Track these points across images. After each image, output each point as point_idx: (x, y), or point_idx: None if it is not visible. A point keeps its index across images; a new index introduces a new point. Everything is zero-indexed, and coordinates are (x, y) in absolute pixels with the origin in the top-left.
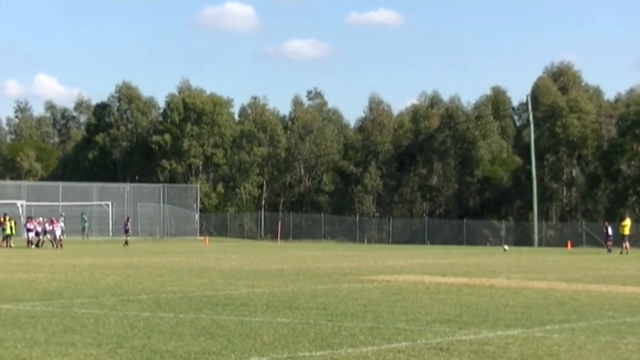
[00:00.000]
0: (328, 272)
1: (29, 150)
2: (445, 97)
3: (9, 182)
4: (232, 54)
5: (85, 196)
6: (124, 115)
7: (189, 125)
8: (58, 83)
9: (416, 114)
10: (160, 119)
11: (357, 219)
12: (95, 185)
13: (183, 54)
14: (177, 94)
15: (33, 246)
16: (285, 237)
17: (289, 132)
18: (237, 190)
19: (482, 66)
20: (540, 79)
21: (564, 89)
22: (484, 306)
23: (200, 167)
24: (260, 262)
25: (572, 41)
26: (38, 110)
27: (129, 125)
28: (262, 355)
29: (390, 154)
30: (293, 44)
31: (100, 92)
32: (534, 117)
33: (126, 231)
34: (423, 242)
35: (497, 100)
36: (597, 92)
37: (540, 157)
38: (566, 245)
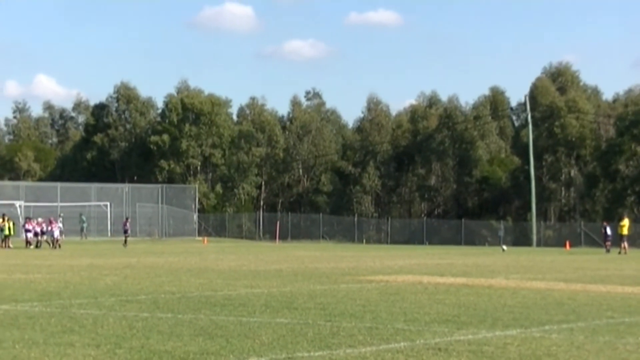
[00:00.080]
0: (326, 273)
1: (27, 150)
2: (444, 97)
3: (7, 183)
4: (230, 54)
5: (83, 197)
6: (122, 116)
7: (187, 125)
8: (57, 83)
9: (414, 114)
10: (159, 119)
11: (356, 219)
12: (94, 186)
13: (182, 54)
14: (175, 94)
15: (32, 247)
16: (283, 237)
17: (287, 133)
18: (235, 190)
19: (481, 66)
20: (538, 79)
21: (562, 89)
22: (482, 306)
23: (199, 168)
24: (259, 263)
25: (570, 41)
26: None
27: (127, 126)
28: (260, 356)
29: (388, 154)
30: (292, 44)
31: (98, 93)
32: (532, 117)
33: (125, 231)
34: (421, 243)
35: (495, 101)
36: (596, 92)
37: (538, 157)
38: (564, 246)
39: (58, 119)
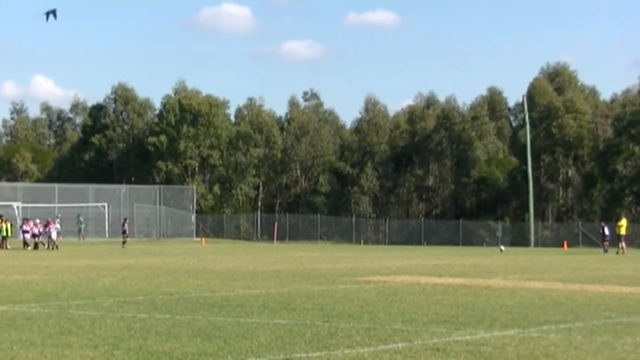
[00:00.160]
0: (324, 273)
1: (25, 151)
2: (442, 97)
3: (4, 184)
4: (228, 55)
5: (81, 198)
6: (120, 117)
7: (185, 126)
8: (54, 84)
9: (412, 115)
10: (156, 120)
11: (354, 219)
12: (92, 187)
13: (179, 55)
14: (173, 95)
15: (29, 248)
16: (281, 238)
17: (285, 133)
18: (233, 191)
19: (478, 67)
20: (536, 79)
21: (559, 90)
22: (480, 307)
23: (197, 169)
24: (257, 263)
25: (568, 42)
26: (34, 111)
27: (125, 127)
28: (258, 357)
29: (386, 154)
30: (289, 45)
31: (96, 94)
32: (530, 117)
33: (124, 232)
34: (419, 243)
35: (493, 101)
36: (593, 92)
37: (536, 158)
38: (562, 246)
39: (56, 120)
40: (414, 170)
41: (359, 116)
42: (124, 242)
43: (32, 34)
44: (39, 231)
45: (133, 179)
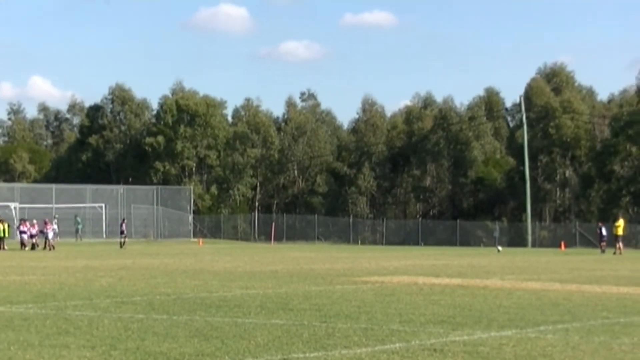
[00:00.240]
0: (322, 274)
1: (22, 152)
2: (439, 98)
3: (2, 185)
4: (225, 56)
5: (78, 198)
6: (117, 117)
7: (182, 126)
8: (51, 85)
9: (409, 115)
10: (154, 120)
11: (351, 220)
12: (89, 187)
13: (176, 56)
14: (170, 95)
15: (26, 248)
16: (279, 238)
17: (282, 134)
18: (230, 191)
19: (476, 67)
20: (533, 79)
21: (557, 90)
22: (477, 307)
23: (194, 169)
24: (254, 264)
25: (565, 42)
26: (31, 112)
27: (122, 127)
28: (256, 357)
29: (383, 155)
30: (287, 46)
31: (93, 94)
32: (527, 117)
33: (122, 233)
34: (417, 243)
35: (490, 101)
36: (590, 92)
37: (533, 158)
38: (560, 246)
39: (53, 120)
40: (412, 171)
41: (356, 116)
42: (123, 243)
43: (30, 34)
44: (36, 232)
45: (130, 179)
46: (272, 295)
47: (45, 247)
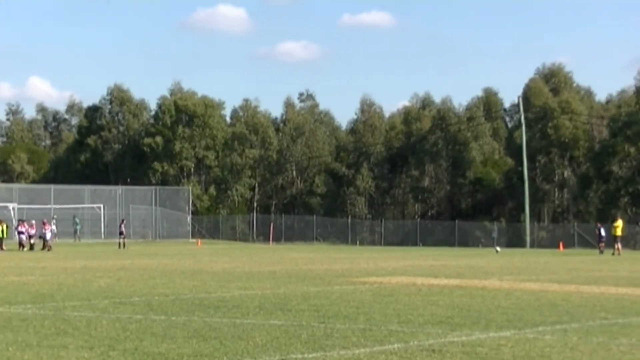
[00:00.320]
0: (320, 274)
1: (21, 152)
2: (437, 98)
3: (0, 185)
4: (224, 56)
5: (77, 199)
6: (116, 118)
7: (180, 127)
8: (50, 85)
9: (408, 116)
10: (152, 121)
11: (349, 220)
12: (87, 188)
13: (175, 56)
14: (168, 96)
15: (25, 249)
16: (277, 239)
17: (280, 134)
18: (229, 192)
19: (474, 67)
20: (531, 80)
21: (555, 91)
22: (476, 308)
23: (192, 170)
24: (253, 264)
25: (563, 43)
26: (29, 112)
27: (121, 128)
28: (254, 358)
29: (382, 155)
30: (285, 46)
31: (91, 95)
32: (525, 118)
33: (121, 233)
34: (415, 244)
35: (488, 102)
36: (589, 93)
37: (532, 159)
38: (558, 247)
39: (51, 121)
40: (410, 171)
41: (355, 117)
42: (123, 244)
43: (28, 34)
44: (34, 232)
45: (129, 180)
46: (271, 296)
47: (43, 248)
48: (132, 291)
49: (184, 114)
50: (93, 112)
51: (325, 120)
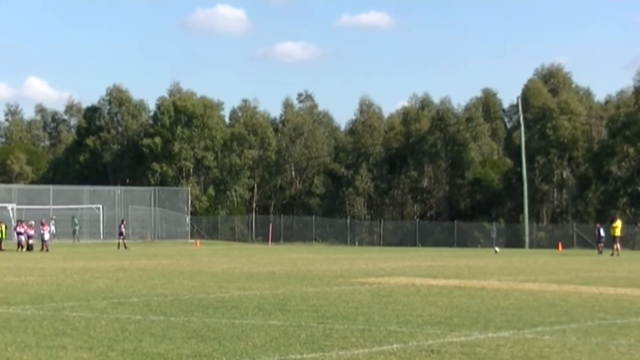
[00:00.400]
0: (319, 275)
1: (20, 153)
2: (436, 99)
3: None
4: (222, 57)
5: (76, 199)
6: (115, 118)
7: (179, 128)
8: (49, 86)
9: (407, 116)
10: (151, 122)
11: (348, 221)
12: (86, 189)
13: (174, 57)
14: (167, 96)
15: (23, 249)
16: (276, 239)
17: (279, 135)
18: (228, 193)
19: (473, 68)
20: (530, 80)
21: (554, 91)
22: (475, 308)
23: (191, 170)
24: (252, 265)
25: (562, 43)
26: (28, 113)
27: (120, 128)
28: (253, 358)
29: (381, 156)
30: (284, 46)
31: (90, 95)
32: (524, 119)
33: (121, 234)
34: (414, 245)
35: (487, 102)
36: (587, 93)
37: (530, 159)
38: (557, 247)
39: (50, 121)
40: (409, 172)
41: (354, 117)
42: (124, 245)
43: (27, 35)
44: (33, 233)
45: (127, 180)
46: (270, 297)
47: (42, 249)
48: (131, 292)
49: (182, 114)
50: (92, 112)
51: (324, 120)
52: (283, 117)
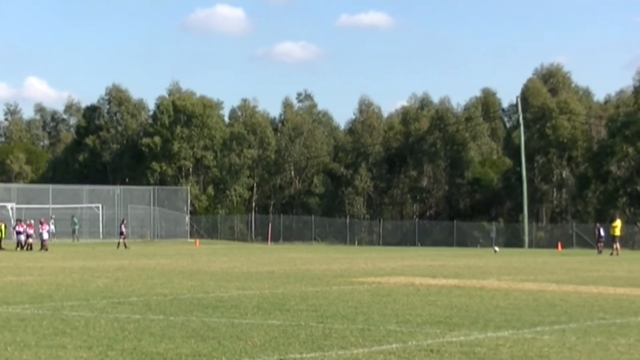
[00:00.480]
0: (318, 274)
1: (19, 152)
2: (435, 98)
3: None
4: (222, 56)
5: (75, 199)
6: (114, 118)
7: (179, 127)
8: (48, 86)
9: (406, 116)
10: (150, 121)
11: (348, 221)
12: (86, 188)
13: (173, 56)
14: (167, 96)
15: (23, 249)
16: (275, 239)
17: (279, 134)
18: (227, 192)
19: (472, 68)
20: (530, 80)
21: (553, 91)
22: (474, 308)
23: (191, 170)
24: (251, 264)
25: (561, 43)
26: (28, 112)
27: (119, 128)
28: (252, 358)
29: (380, 155)
30: (283, 46)
31: (90, 95)
32: (523, 118)
33: (121, 233)
34: (413, 244)
35: (487, 102)
36: (587, 93)
37: (530, 159)
38: (556, 247)
39: (49, 121)
40: (408, 171)
41: (353, 117)
42: (124, 244)
43: (26, 35)
44: (32, 232)
45: (127, 180)
46: (269, 296)
47: (41, 248)
48: (130, 291)
49: (182, 114)
50: (91, 112)
51: (323, 120)
52: (282, 117)
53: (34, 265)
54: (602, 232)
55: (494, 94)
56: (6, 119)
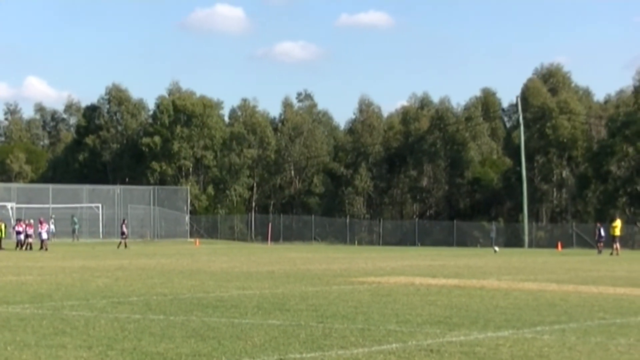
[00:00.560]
0: (318, 274)
1: (19, 152)
2: (435, 98)
3: None
4: (222, 56)
5: (75, 198)
6: (114, 117)
7: (178, 127)
8: (48, 85)
9: (406, 116)
10: (150, 121)
11: (348, 220)
12: (85, 188)
13: (173, 56)
14: (167, 95)
15: (23, 248)
16: (275, 239)
17: (279, 134)
18: (227, 192)
19: (472, 68)
20: (530, 80)
21: (553, 91)
22: (474, 307)
23: (191, 169)
24: (251, 264)
25: (561, 43)
26: (28, 112)
27: (119, 127)
28: (252, 357)
29: (380, 155)
30: (283, 46)
31: (90, 94)
32: (523, 118)
33: (122, 233)
34: (413, 244)
35: (487, 102)
36: (587, 93)
37: (530, 159)
38: (556, 247)
39: (49, 120)
40: (408, 171)
41: (353, 117)
42: (124, 244)
43: (26, 34)
44: (32, 232)
45: (127, 179)
46: (269, 296)
47: (41, 248)
48: (130, 291)
49: (182, 113)
50: (91, 111)
51: (323, 120)
52: (282, 117)
53: (33, 264)
54: (602, 232)
55: (494, 94)
56: (6, 119)
